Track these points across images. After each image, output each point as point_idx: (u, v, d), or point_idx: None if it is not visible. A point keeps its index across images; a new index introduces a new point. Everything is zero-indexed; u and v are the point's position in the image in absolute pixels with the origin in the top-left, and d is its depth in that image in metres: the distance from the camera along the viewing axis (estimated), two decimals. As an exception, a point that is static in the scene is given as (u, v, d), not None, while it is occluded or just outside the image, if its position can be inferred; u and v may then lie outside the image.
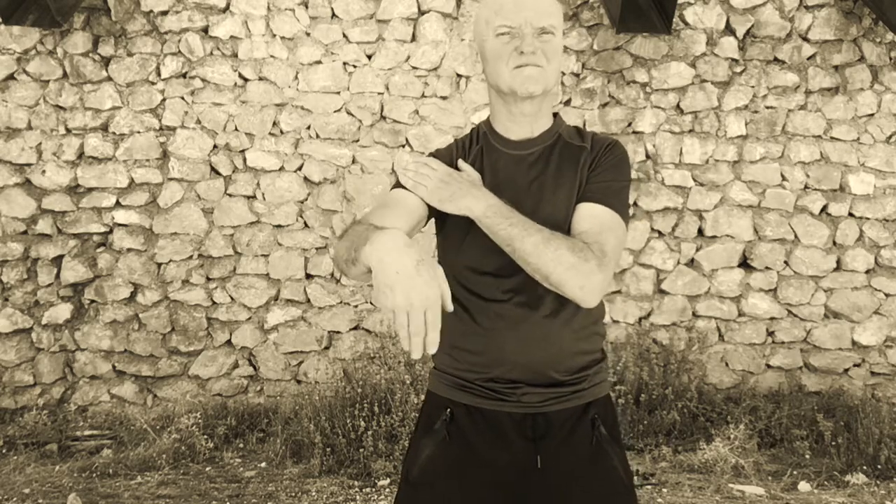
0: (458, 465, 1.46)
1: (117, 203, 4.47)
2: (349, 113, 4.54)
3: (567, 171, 1.47)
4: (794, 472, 3.70)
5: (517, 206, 1.39)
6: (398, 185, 1.49)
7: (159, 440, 3.93)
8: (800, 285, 4.55)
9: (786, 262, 4.56)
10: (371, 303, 4.56)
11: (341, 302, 4.56)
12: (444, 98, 4.55)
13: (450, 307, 1.12)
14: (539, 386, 1.44)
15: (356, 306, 4.56)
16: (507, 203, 1.38)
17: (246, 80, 4.50)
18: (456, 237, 1.48)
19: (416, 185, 1.45)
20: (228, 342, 4.55)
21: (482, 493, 1.45)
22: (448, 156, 1.55)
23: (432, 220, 1.53)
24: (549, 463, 1.44)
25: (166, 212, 4.49)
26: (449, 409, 1.49)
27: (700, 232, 4.58)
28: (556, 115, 1.57)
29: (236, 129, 4.50)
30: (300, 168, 4.54)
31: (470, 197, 1.39)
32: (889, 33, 4.46)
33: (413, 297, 1.07)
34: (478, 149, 1.54)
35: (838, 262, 4.55)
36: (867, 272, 4.54)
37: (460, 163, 1.50)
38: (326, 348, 4.57)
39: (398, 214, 1.42)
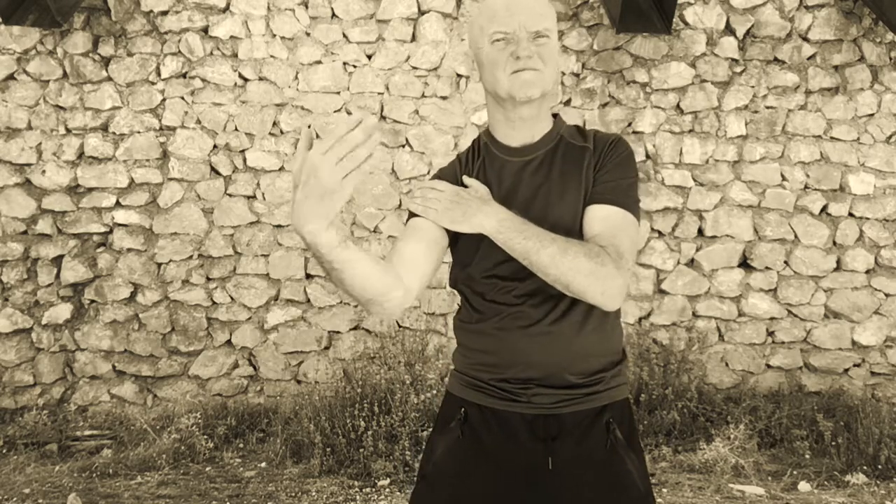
0: (469, 464, 1.47)
1: (117, 203, 4.47)
2: (349, 113, 4.54)
3: (571, 173, 1.45)
4: (794, 472, 3.70)
5: (525, 214, 1.39)
6: (412, 214, 1.49)
7: (159, 440, 3.93)
8: (800, 285, 4.54)
9: (786, 262, 4.56)
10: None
11: (341, 302, 4.56)
12: (444, 98, 4.55)
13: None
14: (551, 387, 1.43)
15: (356, 306, 4.56)
16: (518, 214, 1.38)
17: (246, 80, 4.50)
18: (470, 248, 1.47)
19: (425, 210, 1.44)
20: (228, 342, 4.55)
21: (493, 491, 1.45)
22: (452, 173, 1.54)
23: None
24: (561, 465, 1.43)
25: (166, 212, 4.49)
26: (463, 409, 1.50)
27: (700, 232, 4.58)
28: (556, 115, 1.55)
29: (236, 129, 4.50)
30: (300, 168, 4.53)
31: (481, 214, 1.38)
32: (889, 33, 4.46)
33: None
34: (480, 161, 1.53)
35: (838, 262, 4.55)
36: (867, 272, 4.54)
37: (466, 179, 1.49)
38: (326, 348, 4.57)
39: (414, 240, 1.43)
